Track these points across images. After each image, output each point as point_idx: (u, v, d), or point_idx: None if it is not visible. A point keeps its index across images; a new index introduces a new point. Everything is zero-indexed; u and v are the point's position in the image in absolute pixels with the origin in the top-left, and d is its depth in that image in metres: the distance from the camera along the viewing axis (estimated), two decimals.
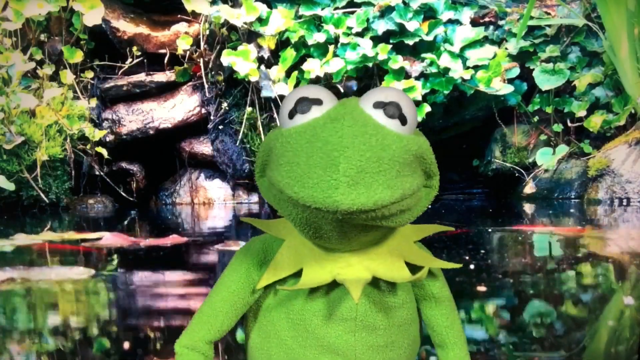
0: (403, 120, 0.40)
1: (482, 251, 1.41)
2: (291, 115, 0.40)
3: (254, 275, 0.45)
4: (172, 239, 1.57)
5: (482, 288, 1.00)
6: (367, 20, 2.68)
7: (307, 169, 0.37)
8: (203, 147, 2.90)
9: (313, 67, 2.62)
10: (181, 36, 2.79)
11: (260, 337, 0.45)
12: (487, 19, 2.81)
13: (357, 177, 0.36)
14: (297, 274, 0.43)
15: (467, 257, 1.29)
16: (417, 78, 2.62)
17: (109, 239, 1.55)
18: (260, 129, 2.74)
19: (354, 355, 0.43)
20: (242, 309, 0.45)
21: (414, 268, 0.44)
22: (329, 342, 0.42)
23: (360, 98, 0.41)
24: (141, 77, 2.84)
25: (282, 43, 2.74)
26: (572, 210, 2.34)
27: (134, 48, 2.78)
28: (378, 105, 0.40)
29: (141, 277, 1.20)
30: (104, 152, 2.65)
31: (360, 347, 0.43)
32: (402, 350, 0.44)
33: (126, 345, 0.75)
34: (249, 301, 0.45)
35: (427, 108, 2.59)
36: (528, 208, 2.54)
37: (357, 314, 0.42)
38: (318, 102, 0.40)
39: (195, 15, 2.83)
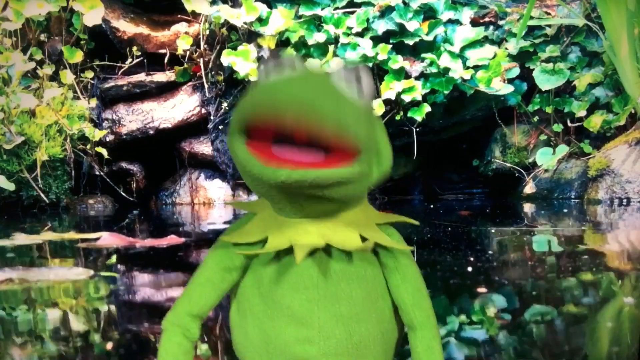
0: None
1: (481, 251, 1.41)
2: None
3: (231, 252, 0.48)
4: (169, 240, 1.56)
5: (482, 289, 1.00)
6: (367, 20, 2.68)
7: None
8: (203, 147, 2.90)
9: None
10: (181, 36, 2.79)
11: (238, 316, 0.48)
12: (487, 19, 2.81)
13: None
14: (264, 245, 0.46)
15: (470, 258, 1.30)
16: (417, 78, 2.62)
17: (107, 239, 1.55)
18: None
19: (317, 325, 0.44)
20: (220, 284, 0.48)
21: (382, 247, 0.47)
22: (293, 311, 0.44)
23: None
24: (141, 77, 2.85)
25: (282, 43, 2.74)
26: (572, 211, 2.34)
27: (134, 48, 2.78)
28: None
29: (133, 277, 1.20)
30: (104, 152, 2.66)
31: (324, 317, 0.44)
32: (369, 325, 0.45)
33: (109, 345, 0.75)
34: (227, 278, 0.48)
35: (427, 108, 2.59)
36: (528, 208, 2.54)
37: (318, 282, 0.44)
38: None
39: (195, 15, 2.83)
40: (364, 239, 0.46)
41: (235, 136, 0.44)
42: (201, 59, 2.83)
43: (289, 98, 0.39)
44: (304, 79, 0.41)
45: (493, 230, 1.80)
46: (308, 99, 0.39)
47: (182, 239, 1.59)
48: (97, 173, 2.74)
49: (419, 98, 2.58)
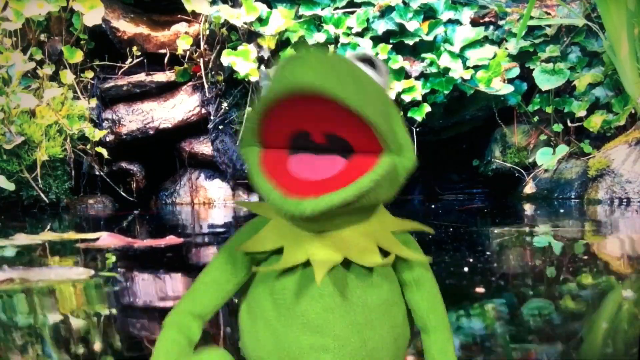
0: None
1: (481, 252, 1.41)
2: None
3: (240, 255, 0.47)
4: (168, 240, 1.56)
5: (479, 290, 1.00)
6: (367, 20, 2.68)
7: None
8: (203, 147, 2.90)
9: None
10: (181, 36, 2.79)
11: (249, 320, 0.47)
12: (487, 19, 2.82)
13: None
14: (277, 253, 0.45)
15: (468, 258, 1.30)
16: (417, 78, 2.62)
17: (106, 239, 1.55)
18: None
19: (332, 333, 0.43)
20: (226, 286, 0.48)
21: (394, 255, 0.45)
22: (308, 319, 0.43)
23: None
24: (141, 77, 2.85)
25: (282, 43, 2.74)
26: (572, 211, 2.34)
27: (134, 48, 2.78)
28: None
29: (132, 277, 1.20)
30: (104, 152, 2.66)
31: (339, 325, 0.43)
32: (383, 332, 0.45)
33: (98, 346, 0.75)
34: (233, 280, 0.48)
35: (427, 108, 2.59)
36: (528, 208, 2.54)
37: (334, 290, 0.44)
38: None
39: (195, 15, 2.83)
40: (381, 250, 0.45)
41: (249, 142, 0.42)
42: (201, 59, 2.83)
43: (311, 70, 0.37)
44: (323, 57, 0.38)
45: (496, 231, 1.80)
46: (330, 72, 0.37)
47: (181, 239, 1.59)
48: (97, 173, 2.74)
49: (419, 98, 2.58)
